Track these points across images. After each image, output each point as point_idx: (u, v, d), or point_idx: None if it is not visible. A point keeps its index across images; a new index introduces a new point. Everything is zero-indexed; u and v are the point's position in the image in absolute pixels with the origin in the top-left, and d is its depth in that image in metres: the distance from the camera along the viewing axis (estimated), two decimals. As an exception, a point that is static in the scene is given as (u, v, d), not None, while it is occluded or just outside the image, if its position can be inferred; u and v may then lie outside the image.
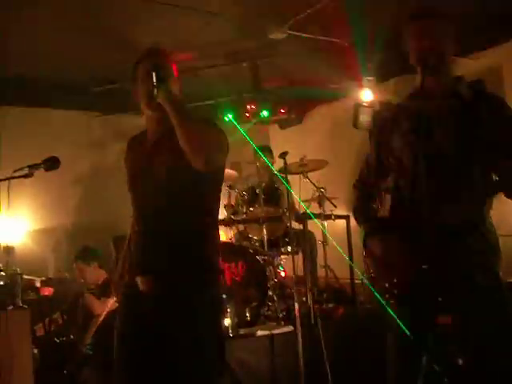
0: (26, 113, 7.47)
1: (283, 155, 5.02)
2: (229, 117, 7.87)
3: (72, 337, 5.45)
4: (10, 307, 4.33)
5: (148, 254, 2.71)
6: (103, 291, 5.60)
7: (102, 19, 5.69)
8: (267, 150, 6.92)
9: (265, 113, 7.56)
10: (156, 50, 2.83)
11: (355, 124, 6.72)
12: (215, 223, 2.91)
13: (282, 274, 6.04)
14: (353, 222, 5.99)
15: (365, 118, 6.63)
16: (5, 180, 3.43)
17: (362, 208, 2.96)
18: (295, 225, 5.56)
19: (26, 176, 3.38)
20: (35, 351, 4.77)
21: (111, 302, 5.41)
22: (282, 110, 7.71)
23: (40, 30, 5.73)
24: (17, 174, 3.38)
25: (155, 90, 2.59)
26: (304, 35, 5.99)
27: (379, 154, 2.85)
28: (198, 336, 2.62)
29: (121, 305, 2.87)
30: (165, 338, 2.60)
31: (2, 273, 4.70)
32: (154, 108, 2.68)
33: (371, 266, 2.71)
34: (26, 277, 4.77)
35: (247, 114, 7.58)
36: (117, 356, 2.73)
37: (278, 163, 6.00)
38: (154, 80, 2.59)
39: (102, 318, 5.41)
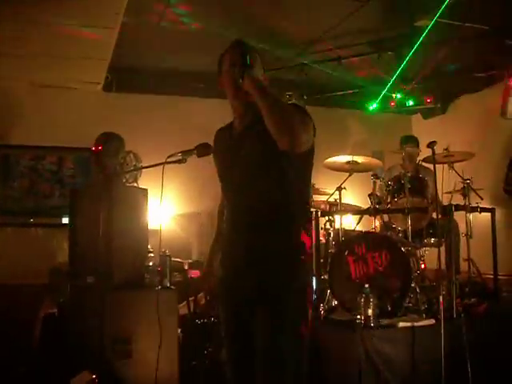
0: (169, 100, 7.75)
1: (432, 144, 4.89)
2: (373, 106, 7.82)
3: (213, 319, 5.59)
4: (159, 287, 4.53)
5: (245, 241, 2.79)
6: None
7: (247, 8, 5.80)
8: (413, 140, 6.81)
9: (411, 102, 7.44)
10: (240, 41, 2.92)
11: (503, 114, 6.55)
12: (307, 206, 3.01)
13: (422, 265, 5.95)
14: (498, 215, 5.87)
15: (513, 107, 6.44)
16: (160, 165, 3.52)
17: None
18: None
19: (179, 161, 3.47)
20: (178, 330, 4.93)
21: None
22: (428, 100, 7.55)
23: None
24: (170, 160, 3.48)
25: (241, 77, 2.68)
26: (451, 22, 5.84)
27: None
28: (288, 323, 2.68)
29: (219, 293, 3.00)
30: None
31: (152, 254, 4.89)
32: (241, 97, 2.79)
33: None
34: (174, 259, 4.94)
35: (392, 103, 7.49)
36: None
37: (424, 153, 5.90)
38: (241, 65, 2.69)
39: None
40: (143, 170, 4.89)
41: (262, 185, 2.77)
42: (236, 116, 2.96)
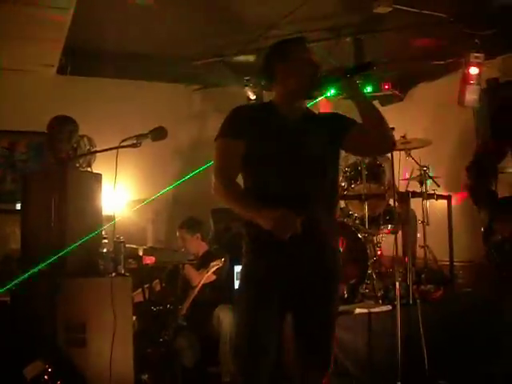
0: (125, 84, 7.64)
1: (390, 131, 4.89)
2: (331, 92, 7.80)
3: (168, 306, 5.56)
4: (113, 274, 4.45)
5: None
6: (202, 263, 5.68)
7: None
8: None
9: (368, 88, 7.43)
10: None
11: (461, 102, 6.58)
12: None
13: (379, 252, 5.98)
14: (454, 202, 5.93)
15: (471, 95, 6.50)
16: (113, 149, 3.47)
17: (483, 191, 2.88)
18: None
19: (133, 145, 3.42)
20: (133, 318, 4.89)
21: (208, 276, 5.49)
22: (386, 87, 7.56)
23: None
24: (125, 144, 3.42)
25: (347, 75, 2.88)
26: (409, 9, 5.84)
27: (497, 137, 2.76)
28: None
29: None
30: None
31: (106, 240, 4.82)
32: (311, 89, 2.93)
33: (497, 250, 2.63)
34: (128, 245, 4.87)
35: (349, 89, 7.47)
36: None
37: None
38: (356, 71, 2.92)
39: (196, 291, 5.51)
40: (98, 155, 4.79)
41: (323, 175, 2.90)
42: (287, 102, 2.99)
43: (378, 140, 2.82)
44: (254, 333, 2.79)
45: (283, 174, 2.81)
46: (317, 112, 3.12)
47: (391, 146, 2.97)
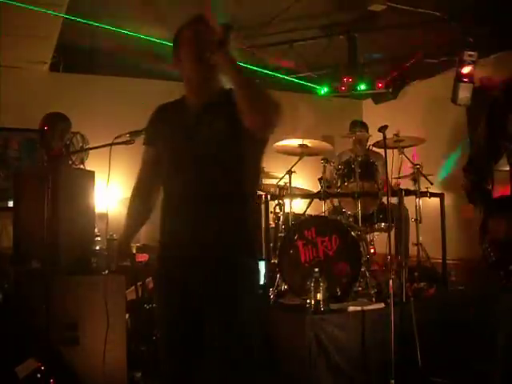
0: (119, 82, 7.63)
1: (383, 129, 4.88)
2: (324, 90, 7.81)
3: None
4: (106, 272, 4.44)
5: (193, 226, 2.65)
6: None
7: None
8: (361, 125, 6.84)
9: (362, 86, 7.43)
10: (203, 16, 2.81)
11: (454, 100, 6.60)
12: (256, 192, 2.98)
13: (372, 250, 5.99)
14: (447, 200, 5.93)
15: (464, 94, 6.52)
16: (106, 146, 3.45)
17: (478, 190, 2.87)
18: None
19: (127, 142, 3.40)
20: (126, 316, 4.87)
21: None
22: (380, 85, 7.56)
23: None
24: (118, 141, 3.40)
25: (213, 51, 2.55)
26: (403, 7, 5.84)
27: (492, 137, 2.75)
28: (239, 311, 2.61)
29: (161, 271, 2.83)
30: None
31: (98, 238, 4.80)
32: (204, 70, 2.66)
33: (492, 249, 2.63)
34: (121, 243, 4.84)
35: (343, 88, 7.47)
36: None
37: (374, 138, 5.91)
38: (221, 38, 2.55)
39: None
40: (90, 152, 4.78)
41: (217, 170, 2.64)
42: (190, 92, 2.79)
43: (248, 115, 2.47)
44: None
45: (178, 175, 2.72)
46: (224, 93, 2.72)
47: (263, 124, 2.54)
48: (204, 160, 2.64)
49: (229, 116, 2.56)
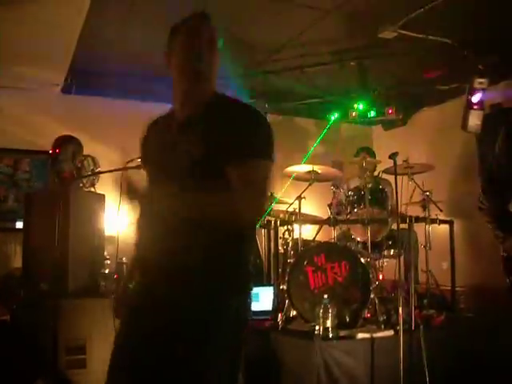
0: (130, 105, 7.65)
1: (394, 156, 4.89)
2: (334, 115, 7.84)
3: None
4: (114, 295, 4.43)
5: (166, 252, 2.34)
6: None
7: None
8: (368, 151, 6.84)
9: (372, 113, 7.46)
10: (208, 17, 2.61)
11: (464, 127, 6.60)
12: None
13: (380, 276, 5.96)
14: (456, 227, 5.92)
15: (474, 120, 6.52)
16: (119, 170, 3.47)
17: (497, 212, 2.84)
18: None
19: (139, 167, 3.41)
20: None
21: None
22: (390, 111, 7.57)
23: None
24: (131, 165, 3.42)
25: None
26: (414, 35, 5.87)
27: (502, 161, 2.75)
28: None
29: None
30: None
31: (108, 261, 4.81)
32: (194, 82, 2.46)
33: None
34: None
35: (353, 114, 7.50)
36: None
37: (383, 164, 5.91)
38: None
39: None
40: (101, 175, 4.80)
41: (191, 188, 2.26)
42: (176, 102, 2.56)
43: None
44: None
45: (153, 189, 2.43)
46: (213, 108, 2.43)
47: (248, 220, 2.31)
48: (179, 176, 2.33)
49: (206, 134, 2.31)
